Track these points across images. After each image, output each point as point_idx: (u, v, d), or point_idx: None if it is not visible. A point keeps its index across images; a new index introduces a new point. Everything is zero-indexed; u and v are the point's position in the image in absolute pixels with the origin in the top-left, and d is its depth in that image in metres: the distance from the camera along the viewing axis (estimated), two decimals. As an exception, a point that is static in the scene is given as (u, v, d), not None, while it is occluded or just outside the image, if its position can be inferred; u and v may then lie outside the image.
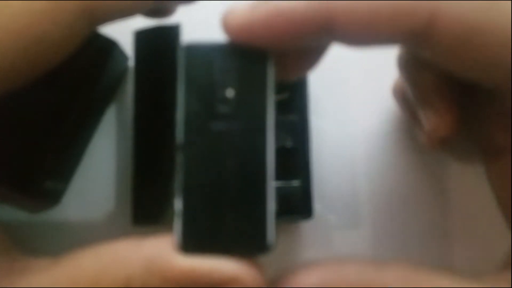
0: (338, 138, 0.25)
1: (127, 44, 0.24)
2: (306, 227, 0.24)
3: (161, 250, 0.16)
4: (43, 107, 0.21)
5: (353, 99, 0.25)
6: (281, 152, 0.17)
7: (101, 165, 0.25)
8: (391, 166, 0.25)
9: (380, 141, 0.25)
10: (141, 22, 0.20)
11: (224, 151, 0.16)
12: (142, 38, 0.19)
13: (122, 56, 0.24)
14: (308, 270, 0.16)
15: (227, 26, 0.16)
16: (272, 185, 0.16)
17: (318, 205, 0.23)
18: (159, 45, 0.19)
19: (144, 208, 0.19)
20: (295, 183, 0.22)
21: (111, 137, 0.25)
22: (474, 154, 0.24)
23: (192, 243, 0.16)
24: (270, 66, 0.16)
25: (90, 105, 0.23)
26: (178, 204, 0.16)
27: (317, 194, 0.23)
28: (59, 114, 0.21)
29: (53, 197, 0.24)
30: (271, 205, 0.16)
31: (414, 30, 0.16)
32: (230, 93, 0.16)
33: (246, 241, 0.16)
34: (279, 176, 0.17)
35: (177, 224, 0.16)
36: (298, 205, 0.22)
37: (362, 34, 0.16)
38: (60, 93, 0.22)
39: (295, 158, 0.22)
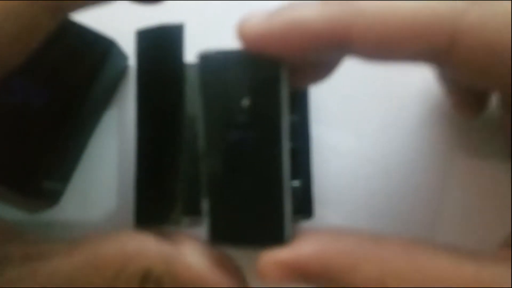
0: (338, 138, 0.25)
1: (126, 44, 0.24)
2: (306, 227, 0.24)
3: (179, 250, 0.17)
4: (41, 107, 0.21)
5: (354, 98, 0.25)
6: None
7: (102, 166, 0.25)
8: (392, 166, 0.25)
9: (381, 142, 0.25)
10: (141, 22, 0.20)
11: (243, 158, 0.17)
12: (144, 38, 0.19)
13: (121, 55, 0.24)
14: (304, 238, 0.17)
15: (242, 34, 0.16)
16: (288, 187, 0.17)
17: (318, 205, 0.23)
18: (161, 45, 0.19)
19: (147, 209, 0.19)
20: (296, 183, 0.22)
21: (112, 137, 0.25)
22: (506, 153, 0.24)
23: (220, 238, 0.17)
24: (283, 74, 0.17)
25: (89, 104, 0.23)
26: (205, 205, 0.17)
27: (317, 195, 0.23)
28: (58, 114, 0.21)
29: (51, 197, 0.23)
30: (288, 205, 0.17)
31: (434, 50, 0.15)
32: (245, 102, 0.17)
33: (266, 235, 0.17)
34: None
35: (206, 222, 0.17)
36: (298, 205, 0.22)
37: (379, 53, 0.16)
38: (59, 93, 0.22)
39: (296, 158, 0.22)
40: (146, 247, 0.17)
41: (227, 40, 0.20)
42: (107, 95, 0.25)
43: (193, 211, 0.20)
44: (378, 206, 0.24)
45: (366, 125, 0.25)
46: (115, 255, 0.17)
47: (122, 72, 0.25)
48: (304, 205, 0.22)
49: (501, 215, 0.24)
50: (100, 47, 0.22)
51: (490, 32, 0.15)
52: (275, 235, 0.17)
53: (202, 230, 0.18)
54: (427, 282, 0.16)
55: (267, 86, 0.16)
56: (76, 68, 0.22)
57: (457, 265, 0.16)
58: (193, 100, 0.20)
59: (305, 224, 0.24)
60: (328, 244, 0.16)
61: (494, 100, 0.23)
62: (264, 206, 0.17)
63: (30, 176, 0.21)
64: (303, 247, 0.16)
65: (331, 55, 0.17)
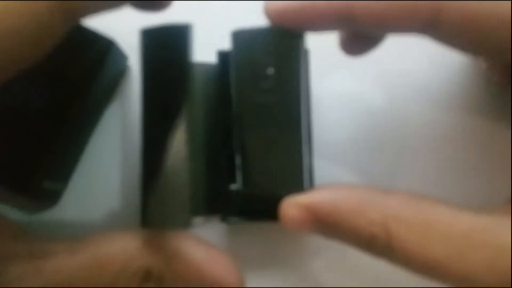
0: (338, 133, 0.25)
1: (126, 44, 0.24)
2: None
3: (179, 249, 0.18)
4: (41, 107, 0.21)
5: (352, 96, 0.25)
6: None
7: (101, 166, 0.25)
8: (392, 163, 0.25)
9: (380, 137, 0.25)
10: (141, 22, 0.20)
11: (268, 119, 0.19)
12: (149, 37, 0.19)
13: (121, 55, 0.24)
14: (321, 188, 0.19)
15: (267, 11, 0.19)
16: (306, 146, 0.19)
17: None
18: (169, 44, 0.19)
19: (154, 211, 0.19)
20: None
21: (112, 137, 0.25)
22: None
23: (249, 190, 0.19)
24: (302, 46, 0.20)
25: (89, 105, 0.23)
26: (237, 160, 0.19)
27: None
28: (57, 114, 0.21)
29: (51, 198, 0.23)
30: (307, 159, 0.19)
31: (421, 23, 0.18)
32: (270, 71, 0.19)
33: (289, 185, 0.19)
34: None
35: (238, 175, 0.19)
36: None
37: (378, 27, 0.19)
38: (59, 93, 0.22)
39: None
40: (147, 246, 0.18)
41: (227, 41, 0.20)
42: (107, 95, 0.25)
43: (200, 212, 0.21)
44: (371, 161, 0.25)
45: (366, 115, 0.25)
46: (117, 255, 0.18)
47: (121, 72, 0.25)
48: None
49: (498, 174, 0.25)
50: (100, 47, 0.22)
51: (469, 5, 0.18)
52: (296, 184, 0.19)
53: (202, 230, 0.18)
54: (427, 226, 0.17)
55: (289, 57, 0.19)
56: (76, 68, 0.22)
57: (457, 213, 0.17)
58: (200, 99, 0.20)
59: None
60: (339, 192, 0.18)
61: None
62: (287, 160, 0.19)
63: (30, 176, 0.21)
64: (318, 194, 0.18)
65: (344, 28, 0.20)
